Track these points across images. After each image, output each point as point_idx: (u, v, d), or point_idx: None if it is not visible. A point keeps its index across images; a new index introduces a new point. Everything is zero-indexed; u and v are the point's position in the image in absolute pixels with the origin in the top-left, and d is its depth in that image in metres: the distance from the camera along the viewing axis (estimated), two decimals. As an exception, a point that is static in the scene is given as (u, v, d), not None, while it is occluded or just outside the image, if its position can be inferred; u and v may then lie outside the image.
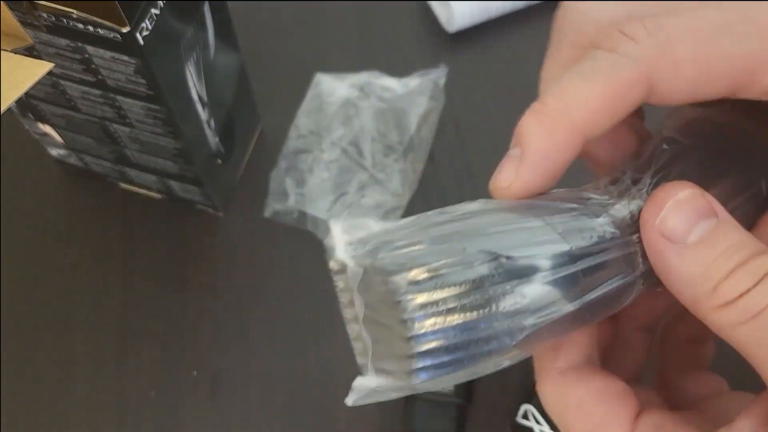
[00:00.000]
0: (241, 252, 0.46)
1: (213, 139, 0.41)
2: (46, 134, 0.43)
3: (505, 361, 0.20)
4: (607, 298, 0.20)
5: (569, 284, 0.19)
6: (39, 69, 0.29)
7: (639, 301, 0.21)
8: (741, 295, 0.18)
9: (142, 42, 0.30)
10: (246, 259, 0.45)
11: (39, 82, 0.29)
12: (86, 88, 0.35)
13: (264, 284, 0.45)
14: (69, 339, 0.43)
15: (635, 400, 0.21)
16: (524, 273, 0.18)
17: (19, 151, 0.48)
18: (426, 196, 0.47)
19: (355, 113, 0.48)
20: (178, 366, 0.43)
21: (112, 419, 0.41)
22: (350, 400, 0.21)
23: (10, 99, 0.28)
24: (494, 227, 0.19)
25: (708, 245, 0.18)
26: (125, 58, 0.31)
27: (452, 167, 0.48)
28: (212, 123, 0.40)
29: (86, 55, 0.32)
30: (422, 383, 0.19)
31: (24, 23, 0.31)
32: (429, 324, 0.18)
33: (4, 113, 0.28)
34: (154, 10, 0.30)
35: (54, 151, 0.46)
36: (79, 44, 0.31)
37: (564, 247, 0.19)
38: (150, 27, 0.30)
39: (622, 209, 0.20)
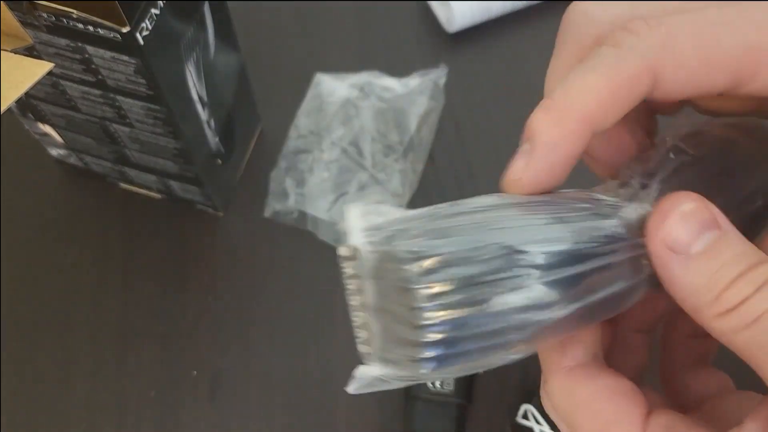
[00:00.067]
0: (241, 252, 0.46)
1: (213, 139, 0.41)
2: (46, 134, 0.43)
3: (511, 356, 0.20)
4: (613, 299, 0.20)
5: (578, 282, 0.19)
6: (39, 69, 0.29)
7: (638, 302, 0.21)
8: (742, 302, 0.18)
9: (142, 42, 0.30)
10: (246, 259, 0.45)
11: (39, 82, 0.29)
12: (86, 88, 0.35)
13: (264, 284, 0.45)
14: (69, 339, 0.43)
15: (644, 399, 0.21)
16: (536, 268, 0.19)
17: (19, 151, 0.48)
18: (426, 196, 0.47)
19: (355, 113, 0.48)
20: (178, 366, 0.43)
21: (112, 419, 0.41)
22: (352, 388, 0.21)
23: (10, 99, 0.28)
24: (509, 221, 0.19)
25: (711, 256, 0.19)
26: (125, 58, 0.31)
27: (452, 167, 0.48)
28: (212, 123, 0.40)
29: (86, 55, 0.32)
30: (428, 373, 0.19)
31: (24, 23, 0.31)
32: (440, 315, 0.18)
33: (4, 113, 0.28)
34: (154, 10, 0.30)
35: (54, 151, 0.46)
36: (79, 44, 0.31)
37: (575, 246, 0.19)
38: (150, 27, 0.30)
39: (632, 212, 0.21)
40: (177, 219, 0.46)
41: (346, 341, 0.43)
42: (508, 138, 0.49)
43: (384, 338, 0.20)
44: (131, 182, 0.46)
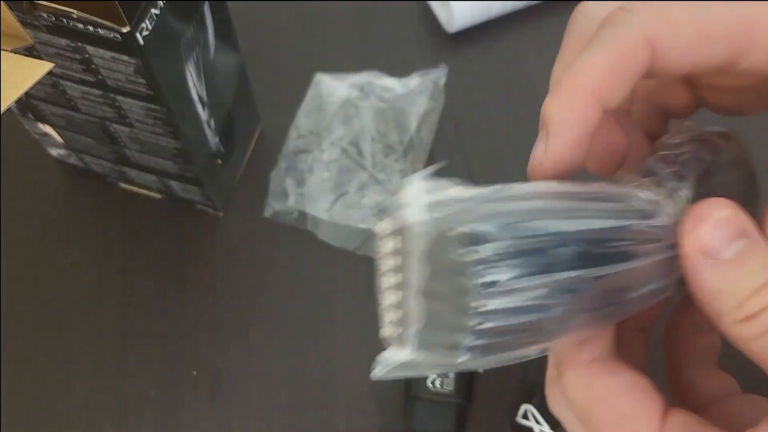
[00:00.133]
0: (241, 252, 0.46)
1: (213, 139, 0.41)
2: (46, 134, 0.43)
3: (541, 351, 0.20)
4: (642, 298, 0.21)
5: (618, 281, 0.20)
6: (39, 69, 0.29)
7: None
8: (762, 310, 0.19)
9: (142, 42, 0.30)
10: (246, 259, 0.45)
11: (39, 82, 0.29)
12: (86, 88, 0.35)
13: (264, 284, 0.45)
14: (69, 339, 0.43)
15: (662, 397, 0.21)
16: (584, 265, 0.19)
17: (19, 151, 0.48)
18: (426, 196, 0.47)
19: (355, 113, 0.48)
20: (178, 366, 0.43)
21: (112, 419, 0.41)
22: (376, 373, 0.20)
23: (10, 99, 0.28)
24: (563, 213, 0.19)
25: (740, 264, 0.19)
26: (125, 58, 0.31)
27: (452, 167, 0.48)
28: (212, 123, 0.40)
29: (86, 55, 0.32)
30: (464, 362, 0.18)
31: (24, 23, 0.31)
32: (493, 303, 0.17)
33: (4, 113, 0.28)
34: (154, 10, 0.30)
35: (54, 151, 0.46)
36: (79, 44, 0.31)
37: (621, 244, 0.19)
38: (150, 27, 0.30)
39: (670, 214, 0.21)
40: (177, 219, 0.46)
41: (346, 341, 0.43)
42: (508, 138, 0.49)
43: (425, 321, 0.19)
44: (131, 182, 0.46)
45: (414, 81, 0.49)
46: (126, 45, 0.30)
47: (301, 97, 0.49)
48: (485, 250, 0.17)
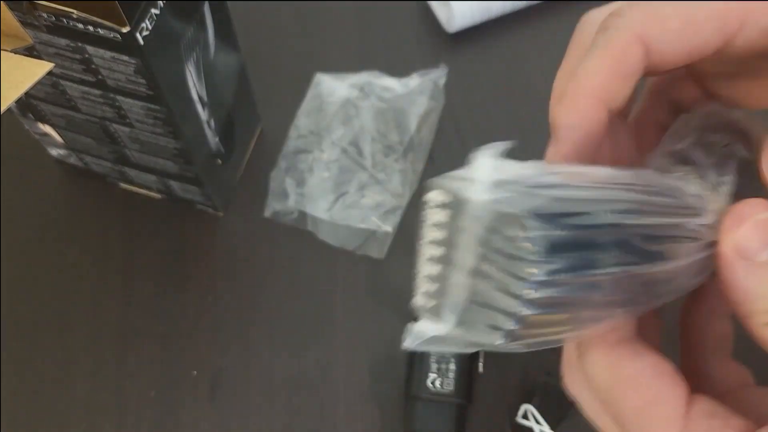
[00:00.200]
0: (241, 252, 0.46)
1: (213, 139, 0.41)
2: (46, 134, 0.43)
3: (579, 337, 0.20)
4: (677, 291, 0.21)
5: (663, 277, 0.20)
6: (39, 69, 0.29)
7: None
8: None
9: (142, 42, 0.30)
10: (246, 259, 0.45)
11: (39, 82, 0.29)
12: (86, 88, 0.35)
13: (264, 284, 0.45)
14: (69, 339, 0.43)
15: (686, 384, 0.21)
16: (643, 260, 0.19)
17: (19, 151, 0.48)
18: (426, 196, 0.47)
19: (355, 113, 0.48)
20: (178, 366, 0.43)
21: (112, 419, 0.41)
22: (408, 343, 0.20)
23: (10, 99, 0.28)
24: (622, 205, 0.19)
25: None
26: (125, 58, 0.31)
27: (452, 167, 0.47)
28: (212, 123, 0.40)
29: (86, 55, 0.32)
30: (501, 344, 0.18)
31: (24, 23, 0.31)
32: (545, 292, 0.17)
33: (4, 113, 0.28)
34: (154, 10, 0.30)
35: (54, 151, 0.46)
36: (79, 44, 0.31)
37: (675, 242, 0.20)
38: (150, 27, 0.30)
39: (714, 212, 0.21)
40: (177, 219, 0.46)
41: (346, 341, 0.43)
42: (508, 138, 0.49)
43: (469, 299, 0.19)
44: (131, 182, 0.46)
45: (414, 81, 0.49)
46: (126, 45, 0.30)
47: (301, 97, 0.49)
48: (544, 240, 0.17)
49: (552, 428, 0.38)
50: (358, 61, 0.51)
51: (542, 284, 0.17)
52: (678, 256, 0.20)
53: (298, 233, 0.46)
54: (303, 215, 0.46)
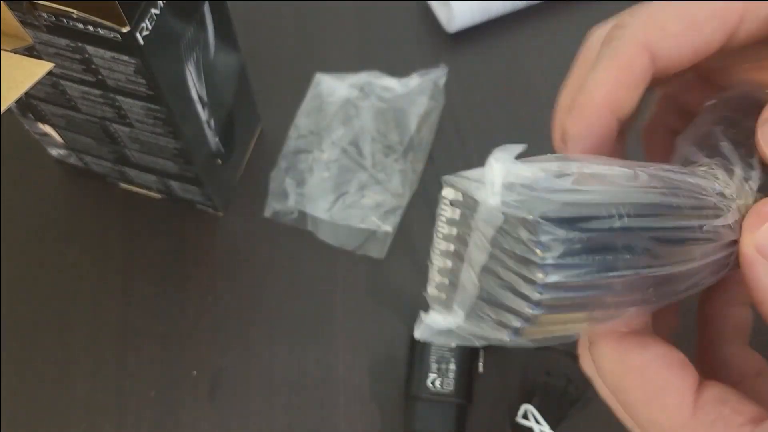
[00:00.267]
0: (241, 252, 0.46)
1: (213, 139, 0.41)
2: (46, 134, 0.43)
3: (576, 336, 0.20)
4: (694, 288, 0.21)
5: (679, 277, 0.20)
6: (39, 69, 0.29)
7: None
8: None
9: (142, 42, 0.30)
10: (246, 259, 0.45)
11: (39, 82, 0.29)
12: (86, 88, 0.35)
13: (264, 284, 0.45)
14: (69, 339, 0.43)
15: (695, 371, 0.21)
16: (658, 263, 0.19)
17: (19, 151, 0.48)
18: (426, 196, 0.47)
19: (355, 113, 0.48)
20: (178, 366, 0.43)
21: (112, 419, 0.41)
22: (418, 334, 0.20)
23: (10, 99, 0.28)
24: (639, 209, 0.18)
25: None
26: (125, 58, 0.31)
27: (452, 167, 0.47)
28: (212, 123, 0.40)
29: (86, 55, 0.32)
30: (508, 341, 0.18)
31: (24, 23, 0.31)
32: (550, 294, 0.17)
33: (4, 113, 0.28)
34: (154, 10, 0.30)
35: (54, 151, 0.46)
36: (79, 44, 0.31)
37: (694, 244, 0.19)
38: (150, 27, 0.30)
39: (739, 210, 0.21)
40: (177, 219, 0.46)
41: (346, 341, 0.43)
42: (509, 138, 0.49)
43: (478, 294, 0.19)
44: (131, 182, 0.46)
45: (414, 81, 0.49)
46: (126, 45, 0.30)
47: (301, 97, 0.49)
48: (553, 244, 0.17)
49: (552, 428, 0.38)
50: (358, 61, 0.51)
51: (550, 287, 0.17)
52: (696, 257, 0.20)
53: (298, 233, 0.46)
54: (303, 215, 0.46)
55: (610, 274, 0.18)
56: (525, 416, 0.39)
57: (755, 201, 0.21)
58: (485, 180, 0.17)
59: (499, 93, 0.50)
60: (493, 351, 0.41)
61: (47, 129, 0.42)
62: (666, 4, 0.22)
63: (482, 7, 0.50)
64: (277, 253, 0.46)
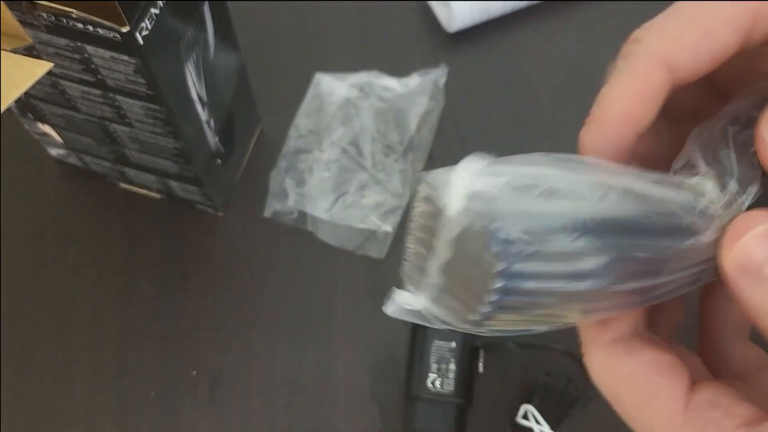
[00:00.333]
0: (241, 252, 0.46)
1: (213, 139, 0.41)
2: (45, 134, 0.43)
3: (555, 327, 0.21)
4: (668, 295, 0.21)
5: (644, 289, 0.20)
6: (38, 69, 0.29)
7: None
8: None
9: (141, 42, 0.30)
10: (246, 259, 0.45)
11: (38, 82, 0.29)
12: (86, 88, 0.35)
13: (264, 284, 0.45)
14: (69, 339, 0.43)
15: (687, 372, 0.21)
16: (619, 279, 0.19)
17: (19, 151, 0.48)
18: (426, 196, 0.47)
19: (355, 113, 0.48)
20: (178, 366, 0.43)
21: (112, 419, 0.41)
22: (389, 311, 0.21)
23: (9, 99, 0.28)
24: (609, 223, 0.19)
25: None
26: (125, 57, 0.31)
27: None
28: (212, 123, 0.40)
29: (86, 55, 0.32)
30: (468, 329, 0.19)
31: (24, 23, 0.31)
32: (506, 299, 0.18)
33: (3, 113, 0.28)
34: (153, 10, 0.30)
35: (53, 151, 0.46)
36: (79, 44, 0.31)
37: (660, 262, 0.20)
38: (150, 27, 0.30)
39: (716, 230, 0.20)
40: (177, 219, 0.46)
41: (346, 341, 0.43)
42: (508, 138, 0.49)
43: (443, 286, 0.20)
44: (131, 182, 0.46)
45: (414, 81, 0.49)
46: (126, 45, 0.30)
47: (301, 97, 0.49)
48: (506, 255, 0.17)
49: (552, 428, 0.38)
50: (358, 61, 0.51)
51: (501, 291, 0.18)
52: (661, 274, 0.20)
53: (298, 233, 0.46)
54: (303, 215, 0.46)
55: (561, 284, 0.18)
56: (525, 416, 0.39)
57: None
58: (450, 188, 0.18)
59: (499, 93, 0.50)
60: (494, 351, 0.41)
61: (47, 129, 0.42)
62: (678, 14, 0.22)
63: (482, 7, 0.50)
64: (277, 253, 0.45)
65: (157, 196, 0.47)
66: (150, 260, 0.45)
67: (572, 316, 0.20)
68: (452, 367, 0.40)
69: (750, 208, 0.21)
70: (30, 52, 0.33)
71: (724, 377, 0.24)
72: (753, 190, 0.21)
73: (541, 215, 0.18)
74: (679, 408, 0.20)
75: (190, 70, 0.36)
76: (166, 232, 0.46)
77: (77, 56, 0.32)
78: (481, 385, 0.41)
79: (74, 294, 0.44)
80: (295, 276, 0.45)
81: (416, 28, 0.52)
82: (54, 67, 0.33)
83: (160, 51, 0.32)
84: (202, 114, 0.39)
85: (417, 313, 0.21)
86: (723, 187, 0.21)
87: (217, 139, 0.42)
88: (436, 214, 0.19)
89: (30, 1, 0.29)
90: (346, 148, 0.47)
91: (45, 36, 0.31)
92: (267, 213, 0.46)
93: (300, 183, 0.46)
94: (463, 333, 0.40)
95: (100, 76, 0.33)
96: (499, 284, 0.17)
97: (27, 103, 0.40)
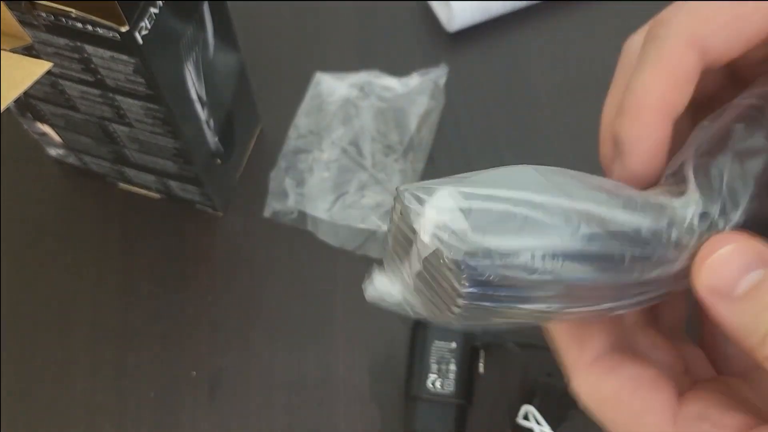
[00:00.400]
0: (241, 252, 0.46)
1: (212, 139, 0.41)
2: (45, 134, 0.43)
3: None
4: (630, 308, 0.21)
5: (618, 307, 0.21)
6: (38, 68, 0.29)
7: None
8: None
9: (141, 41, 0.30)
10: (246, 259, 0.45)
11: (38, 82, 0.29)
12: (85, 88, 0.35)
13: (264, 284, 0.45)
14: (69, 339, 0.43)
15: (671, 384, 0.21)
16: (579, 304, 0.20)
17: (18, 151, 0.48)
18: (426, 195, 0.47)
19: (355, 113, 0.48)
20: (177, 366, 0.43)
21: (112, 419, 0.41)
22: (367, 295, 0.22)
23: (9, 98, 0.28)
24: (575, 258, 0.19)
25: (753, 297, 0.19)
26: (124, 57, 0.31)
27: (452, 167, 0.47)
28: (212, 123, 0.40)
29: (85, 55, 0.32)
30: (442, 323, 0.20)
31: (23, 23, 0.31)
32: (471, 307, 0.19)
33: (3, 113, 0.28)
34: (153, 10, 0.30)
35: (53, 151, 0.46)
36: (78, 43, 0.31)
37: (625, 290, 0.20)
38: (149, 26, 0.30)
39: (688, 260, 0.20)
40: (177, 219, 0.46)
41: (346, 341, 0.43)
42: (508, 138, 0.49)
43: (415, 288, 0.21)
44: (130, 182, 0.46)
45: (414, 80, 0.49)
46: (125, 44, 0.30)
47: (301, 96, 0.49)
48: (470, 281, 0.18)
49: (553, 429, 0.38)
50: (358, 60, 0.51)
51: (465, 307, 0.19)
52: (625, 297, 0.20)
53: (298, 233, 0.46)
54: (303, 215, 0.46)
55: (525, 306, 0.19)
56: (526, 417, 0.39)
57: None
58: (422, 216, 0.19)
59: (499, 93, 0.50)
60: (494, 351, 0.41)
61: (46, 129, 0.42)
62: None
63: (482, 7, 0.50)
64: (277, 253, 0.45)
65: (156, 196, 0.47)
66: (150, 260, 0.45)
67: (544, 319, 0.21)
68: (452, 367, 0.40)
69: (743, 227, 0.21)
70: (29, 51, 0.33)
71: (726, 374, 0.24)
72: (734, 217, 0.21)
73: (508, 250, 0.18)
74: (667, 422, 0.20)
75: (189, 70, 0.35)
76: (166, 232, 0.46)
77: (76, 56, 0.32)
78: (482, 386, 0.41)
79: (74, 294, 0.44)
80: (295, 276, 0.45)
81: (416, 28, 0.52)
82: (53, 66, 0.32)
83: (159, 51, 0.32)
84: (202, 114, 0.38)
85: (395, 304, 0.22)
86: (704, 215, 0.20)
87: (216, 139, 0.42)
88: (410, 229, 0.20)
89: (29, 0, 0.29)
90: (346, 148, 0.47)
91: (44, 36, 0.31)
92: (267, 213, 0.46)
93: (300, 183, 0.46)
94: (464, 333, 0.40)
95: (99, 76, 0.33)
96: (464, 301, 0.19)
97: (26, 103, 0.40)
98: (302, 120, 0.48)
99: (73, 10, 0.29)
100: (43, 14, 0.30)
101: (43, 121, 0.41)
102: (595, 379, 0.21)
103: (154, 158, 0.40)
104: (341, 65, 0.50)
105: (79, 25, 0.30)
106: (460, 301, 0.19)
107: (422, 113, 0.48)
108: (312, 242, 0.45)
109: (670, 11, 0.22)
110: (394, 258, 0.21)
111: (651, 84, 0.21)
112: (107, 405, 0.42)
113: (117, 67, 0.32)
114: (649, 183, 0.22)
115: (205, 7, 0.35)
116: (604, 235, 0.19)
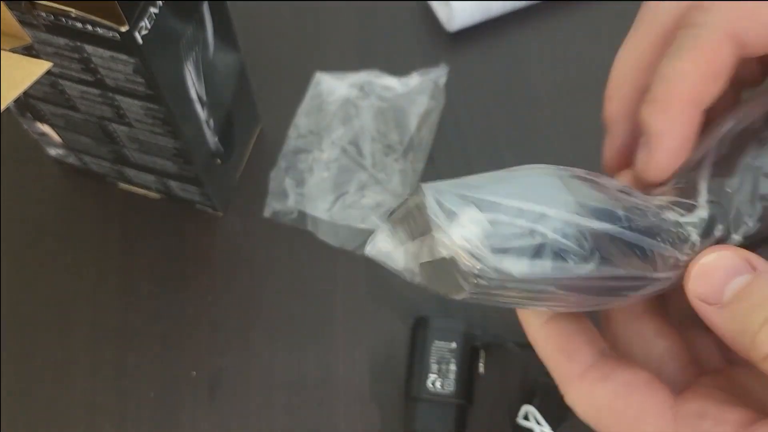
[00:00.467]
0: (241, 252, 0.46)
1: (212, 139, 0.41)
2: (44, 134, 0.43)
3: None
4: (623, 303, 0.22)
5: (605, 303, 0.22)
6: (38, 68, 0.29)
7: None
8: None
9: (140, 41, 0.30)
10: (246, 259, 0.45)
11: (38, 82, 0.29)
12: (85, 88, 0.35)
13: (264, 284, 0.45)
14: (69, 339, 0.43)
15: (665, 386, 0.21)
16: (573, 307, 0.21)
17: (18, 151, 0.48)
18: (426, 195, 0.46)
19: (355, 113, 0.48)
20: (177, 366, 0.43)
21: (112, 419, 0.41)
22: (367, 250, 0.22)
23: (8, 98, 0.28)
24: (575, 282, 0.20)
25: (741, 301, 0.19)
26: (124, 57, 0.31)
27: (452, 167, 0.47)
28: (211, 123, 0.40)
29: (85, 55, 0.32)
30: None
31: (23, 22, 0.31)
32: (478, 295, 0.20)
33: (3, 113, 0.28)
34: (153, 10, 0.30)
35: (53, 151, 0.46)
36: (78, 43, 0.31)
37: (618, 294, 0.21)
38: (149, 26, 0.30)
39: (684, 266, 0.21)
40: (177, 219, 0.46)
41: (346, 341, 0.43)
42: (508, 138, 0.49)
43: (421, 268, 0.21)
44: (130, 182, 0.46)
45: (414, 80, 0.49)
46: (125, 44, 0.30)
47: (301, 96, 0.49)
48: (478, 287, 0.19)
49: (553, 429, 0.38)
50: (358, 60, 0.51)
51: (473, 294, 0.19)
52: (626, 298, 0.21)
53: (298, 233, 0.46)
54: (303, 215, 0.46)
55: (526, 302, 0.20)
56: (526, 417, 0.39)
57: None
58: (444, 226, 0.19)
59: (499, 93, 0.50)
60: (494, 351, 0.41)
61: (46, 129, 0.42)
62: None
63: (482, 7, 0.50)
64: (277, 253, 0.45)
65: (156, 196, 0.47)
66: (150, 260, 0.45)
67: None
68: (452, 367, 0.40)
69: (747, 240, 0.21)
70: (29, 51, 0.33)
71: (736, 364, 0.24)
72: (736, 238, 0.21)
73: (521, 275, 0.19)
74: (667, 423, 0.20)
75: (189, 70, 0.35)
76: (166, 232, 0.46)
77: (76, 56, 0.32)
78: (482, 386, 0.41)
79: (74, 294, 0.44)
80: (295, 276, 0.45)
81: (416, 28, 0.52)
82: (53, 66, 0.32)
83: (159, 50, 0.32)
84: (202, 114, 0.38)
85: (397, 270, 0.22)
86: (709, 234, 0.21)
87: (216, 139, 0.42)
88: (427, 227, 0.20)
89: (29, 0, 0.29)
90: (346, 147, 0.47)
91: (44, 35, 0.31)
92: (267, 213, 0.46)
93: (300, 183, 0.46)
94: (464, 334, 0.40)
95: (99, 76, 0.33)
96: (467, 295, 0.19)
97: (26, 103, 0.40)
98: (302, 120, 0.48)
99: (73, 10, 0.29)
100: (43, 14, 0.30)
101: (43, 121, 0.41)
102: (588, 390, 0.21)
103: (154, 158, 0.40)
104: (341, 65, 0.50)
105: (79, 25, 0.30)
106: (464, 294, 0.19)
107: (422, 113, 0.48)
108: (312, 242, 0.45)
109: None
110: (399, 231, 0.22)
111: (686, 73, 0.21)
112: (107, 405, 0.42)
113: (117, 67, 0.32)
114: (668, 175, 0.22)
115: (205, 7, 0.35)
116: (614, 260, 0.19)
